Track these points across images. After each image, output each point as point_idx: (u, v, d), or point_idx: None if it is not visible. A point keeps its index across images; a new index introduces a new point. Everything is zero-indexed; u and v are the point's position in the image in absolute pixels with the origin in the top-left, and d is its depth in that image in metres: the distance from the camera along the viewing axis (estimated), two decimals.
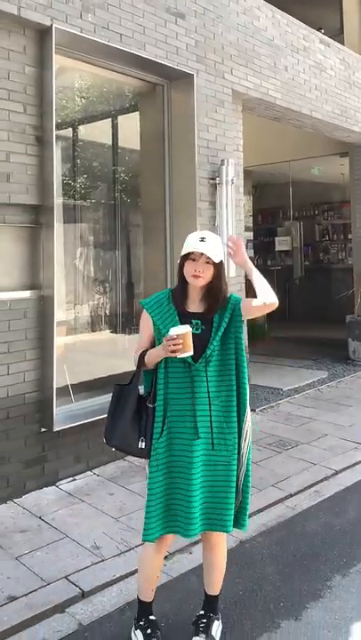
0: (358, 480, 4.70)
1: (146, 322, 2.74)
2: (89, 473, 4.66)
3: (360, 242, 9.59)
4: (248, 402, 2.70)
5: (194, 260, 2.60)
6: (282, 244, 12.52)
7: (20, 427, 4.26)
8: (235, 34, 6.18)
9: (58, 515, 3.98)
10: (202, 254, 2.58)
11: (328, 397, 7.13)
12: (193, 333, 2.53)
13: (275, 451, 5.26)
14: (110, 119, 6.27)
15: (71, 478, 4.56)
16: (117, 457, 4.84)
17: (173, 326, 2.54)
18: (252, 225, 11.95)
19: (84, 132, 6.04)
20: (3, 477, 4.16)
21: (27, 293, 4.35)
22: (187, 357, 2.54)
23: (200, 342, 2.59)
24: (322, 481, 4.66)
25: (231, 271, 5.91)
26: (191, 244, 2.60)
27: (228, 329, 2.67)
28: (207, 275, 2.61)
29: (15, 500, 4.17)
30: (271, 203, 13.20)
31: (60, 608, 2.99)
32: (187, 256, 2.62)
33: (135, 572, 3.19)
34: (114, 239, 6.02)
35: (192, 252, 2.59)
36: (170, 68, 5.39)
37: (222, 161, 5.82)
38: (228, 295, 2.72)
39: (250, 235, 11.30)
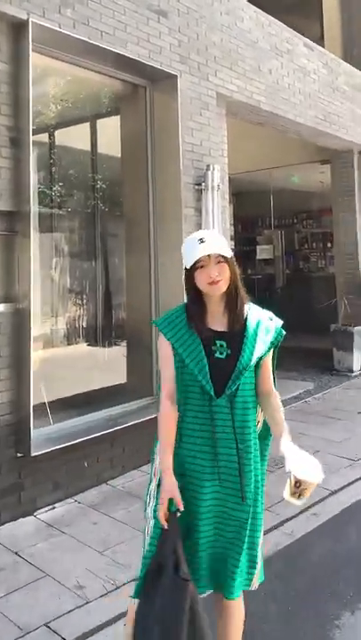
0: (358, 500, 4.45)
1: (165, 349, 2.26)
2: (69, 500, 4.32)
3: (343, 251, 9.39)
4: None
5: (203, 267, 2.19)
6: (263, 252, 12.31)
7: None
8: (219, 34, 5.95)
9: (36, 549, 3.64)
10: (209, 256, 2.19)
11: (316, 410, 6.90)
12: (216, 358, 2.19)
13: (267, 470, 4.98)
14: (89, 123, 5.98)
15: (50, 507, 4.22)
16: (99, 482, 4.52)
17: (197, 351, 2.17)
18: (233, 233, 11.75)
19: (62, 136, 5.72)
20: None
21: (0, 307, 4.02)
22: (208, 389, 2.17)
23: (223, 370, 2.20)
24: (318, 502, 4.39)
25: None
26: (192, 250, 2.19)
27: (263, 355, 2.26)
28: (225, 276, 2.21)
29: None
30: (251, 211, 12.98)
31: None
32: (193, 267, 2.21)
33: (123, 615, 2.89)
34: (93, 249, 5.72)
35: (199, 260, 2.19)
36: (153, 67, 5.12)
37: (208, 166, 5.57)
38: (247, 304, 2.29)
39: (231, 243, 11.09)
